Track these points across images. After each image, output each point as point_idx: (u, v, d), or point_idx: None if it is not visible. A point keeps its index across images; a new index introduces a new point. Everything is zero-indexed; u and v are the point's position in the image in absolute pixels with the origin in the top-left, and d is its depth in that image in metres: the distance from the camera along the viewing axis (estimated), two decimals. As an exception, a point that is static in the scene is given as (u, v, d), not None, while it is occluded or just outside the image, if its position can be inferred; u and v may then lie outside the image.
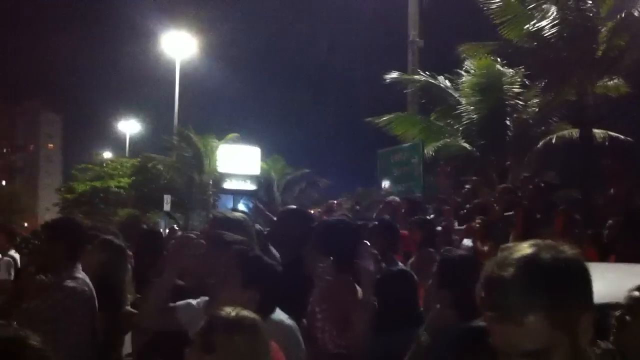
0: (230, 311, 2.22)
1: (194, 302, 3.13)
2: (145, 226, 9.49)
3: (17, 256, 8.06)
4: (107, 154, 49.06)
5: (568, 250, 1.52)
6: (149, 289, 3.23)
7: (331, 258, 3.68)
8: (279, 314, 3.11)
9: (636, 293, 2.48)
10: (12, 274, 7.43)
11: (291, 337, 3.07)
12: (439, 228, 7.57)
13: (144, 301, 3.35)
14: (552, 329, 1.44)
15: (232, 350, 2.12)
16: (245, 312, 2.25)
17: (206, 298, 3.11)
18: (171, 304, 3.11)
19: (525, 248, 1.51)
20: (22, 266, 7.16)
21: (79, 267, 4.06)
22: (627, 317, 2.42)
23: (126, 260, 4.82)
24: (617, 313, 2.46)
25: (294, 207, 5.40)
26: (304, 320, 3.65)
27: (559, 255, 1.49)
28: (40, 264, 4.34)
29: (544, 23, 11.42)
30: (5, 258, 7.90)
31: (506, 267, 1.47)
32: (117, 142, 54.19)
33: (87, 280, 4.03)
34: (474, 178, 11.02)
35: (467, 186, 10.60)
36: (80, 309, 3.87)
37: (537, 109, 13.94)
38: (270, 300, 2.94)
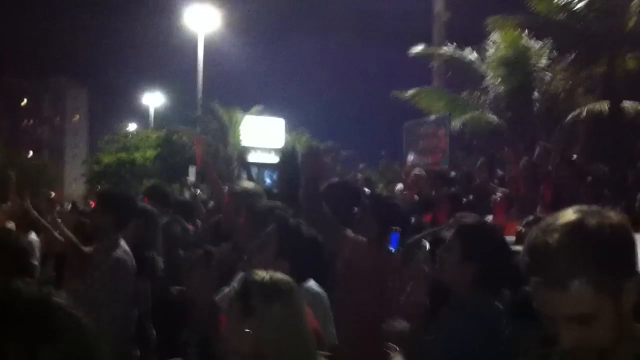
0: (264, 275, 2.23)
1: None
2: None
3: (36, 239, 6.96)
4: (132, 126, 49.34)
5: (614, 216, 1.52)
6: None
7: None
8: (312, 284, 3.16)
9: None
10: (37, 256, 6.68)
11: (321, 304, 3.13)
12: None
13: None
14: (596, 294, 1.45)
15: (271, 314, 2.15)
16: (280, 276, 2.27)
17: None
18: None
19: (570, 214, 1.52)
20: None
21: (120, 236, 4.17)
22: None
23: (158, 225, 4.90)
24: None
25: (340, 181, 5.37)
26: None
27: (604, 221, 1.49)
28: (89, 233, 4.46)
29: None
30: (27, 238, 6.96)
31: (551, 233, 1.48)
32: (142, 115, 54.46)
33: (127, 248, 4.13)
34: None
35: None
36: (124, 279, 3.97)
37: (565, 83, 13.74)
38: (302, 270, 2.95)
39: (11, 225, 5.95)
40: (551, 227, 1.50)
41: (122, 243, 4.12)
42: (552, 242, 1.47)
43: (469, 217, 3.24)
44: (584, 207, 1.54)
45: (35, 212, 5.17)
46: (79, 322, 1.33)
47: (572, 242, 1.46)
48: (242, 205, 3.58)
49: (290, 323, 2.18)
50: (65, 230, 4.68)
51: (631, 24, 11.67)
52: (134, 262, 4.11)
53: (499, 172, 10.48)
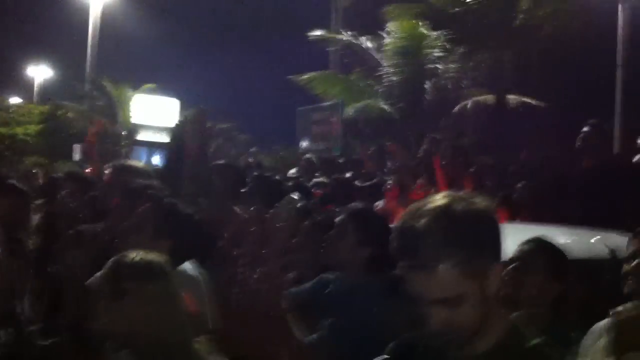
0: (135, 256, 2.17)
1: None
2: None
3: None
4: (15, 100, 46.68)
5: (480, 202, 1.56)
6: None
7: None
8: (193, 265, 3.07)
9: (525, 246, 2.74)
10: None
11: (197, 287, 3.04)
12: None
13: None
14: (462, 278, 1.48)
15: (142, 295, 2.10)
16: (152, 256, 2.21)
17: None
18: None
19: (438, 199, 1.55)
20: None
21: None
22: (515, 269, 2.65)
23: (29, 204, 4.63)
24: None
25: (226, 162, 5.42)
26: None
27: (470, 206, 1.53)
28: None
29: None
30: None
31: (419, 218, 1.51)
32: (25, 88, 51.54)
33: None
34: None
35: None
36: None
37: (455, 74, 14.21)
38: (182, 249, 2.89)
39: None
40: (419, 212, 1.52)
41: None
42: (419, 227, 1.49)
43: (359, 204, 3.36)
44: (452, 193, 1.58)
45: None
46: None
47: (438, 226, 1.48)
48: (118, 183, 3.44)
49: (162, 304, 2.13)
50: None
51: (518, 21, 12.21)
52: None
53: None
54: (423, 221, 1.49)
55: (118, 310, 2.10)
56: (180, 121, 4.25)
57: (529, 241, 2.77)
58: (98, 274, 2.86)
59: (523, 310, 2.46)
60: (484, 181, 7.17)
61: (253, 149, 13.24)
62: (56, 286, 4.25)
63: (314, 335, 2.98)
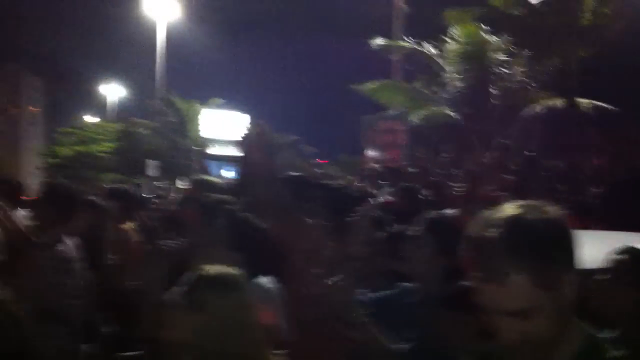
0: (212, 269, 2.23)
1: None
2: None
3: None
4: (90, 118, 48.57)
5: (552, 211, 1.53)
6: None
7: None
8: (267, 278, 3.13)
9: (617, 256, 2.52)
10: None
11: (271, 300, 3.09)
12: None
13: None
14: (535, 288, 1.45)
15: (217, 308, 2.14)
16: (228, 270, 2.26)
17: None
18: None
19: (509, 209, 1.52)
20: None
21: (66, 230, 4.11)
22: (607, 280, 2.47)
23: (109, 220, 4.85)
24: (597, 277, 2.49)
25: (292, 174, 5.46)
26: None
27: (542, 216, 1.50)
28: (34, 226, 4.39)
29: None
30: None
31: (491, 228, 1.48)
32: (100, 106, 53.67)
33: (71, 242, 4.07)
34: None
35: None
36: (67, 273, 3.91)
37: (521, 78, 13.95)
38: (254, 263, 2.91)
39: None
40: (490, 222, 1.50)
41: (66, 236, 4.06)
42: (491, 237, 1.47)
43: (434, 213, 3.28)
44: (523, 202, 1.54)
45: None
46: (15, 319, 1.34)
47: (509, 237, 1.45)
48: (194, 199, 3.56)
49: (236, 317, 2.17)
50: (16, 222, 4.58)
51: (585, 21, 11.91)
52: (78, 256, 4.06)
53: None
54: (494, 231, 1.47)
55: (194, 323, 2.14)
56: (243, 136, 4.28)
57: (622, 251, 2.54)
58: (174, 288, 2.98)
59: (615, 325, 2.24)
60: (555, 187, 7.04)
61: (342, 155, 13.33)
62: (133, 300, 4.43)
63: (405, 345, 2.87)
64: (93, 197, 5.03)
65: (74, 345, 4.02)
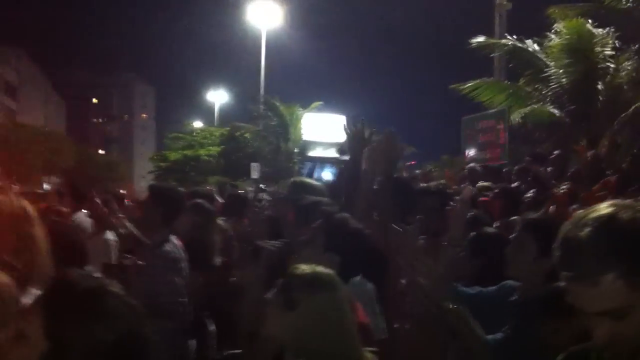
0: (306, 269, 2.30)
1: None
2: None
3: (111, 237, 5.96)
4: (197, 123, 50.46)
5: None
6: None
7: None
8: (360, 279, 3.18)
9: None
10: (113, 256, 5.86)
11: (367, 299, 3.15)
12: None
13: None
14: (627, 289, 1.42)
15: (312, 307, 2.21)
16: (322, 269, 2.32)
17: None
18: None
19: (603, 208, 1.49)
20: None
21: (170, 230, 4.35)
22: None
23: (215, 222, 5.02)
24: None
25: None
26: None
27: (636, 215, 1.46)
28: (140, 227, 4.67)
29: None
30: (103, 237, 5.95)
31: (582, 227, 1.46)
32: (206, 112, 55.75)
33: (177, 242, 4.30)
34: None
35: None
36: (175, 272, 4.13)
37: (630, 73, 13.31)
38: (351, 264, 2.95)
39: (89, 223, 6.26)
40: (583, 221, 1.48)
41: (172, 237, 4.28)
42: (583, 236, 1.45)
43: (536, 214, 3.22)
44: (618, 201, 1.51)
45: (103, 210, 5.42)
46: (131, 308, 1.49)
47: (603, 237, 1.43)
48: (290, 200, 3.67)
49: (331, 316, 2.22)
50: (129, 226, 4.89)
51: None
52: (184, 256, 4.27)
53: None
54: (587, 231, 1.45)
55: (290, 321, 2.22)
56: (368, 148, 4.22)
57: None
58: (273, 287, 3.11)
59: None
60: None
61: (444, 157, 13.21)
62: (235, 299, 4.59)
63: (498, 336, 2.89)
64: (199, 200, 5.25)
65: (181, 341, 4.25)
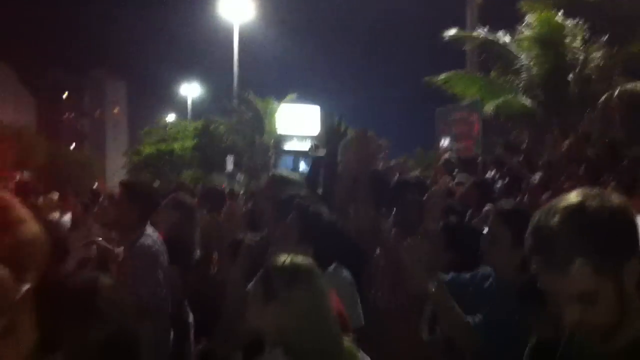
0: (285, 260, 2.33)
1: None
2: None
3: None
4: (171, 117, 50.05)
5: (615, 199, 1.55)
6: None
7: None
8: (336, 268, 3.24)
9: None
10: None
11: (347, 288, 3.21)
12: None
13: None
14: (596, 275, 1.48)
15: (291, 296, 2.24)
16: (300, 259, 2.35)
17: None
18: None
19: (572, 197, 1.56)
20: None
21: (148, 225, 4.34)
22: None
23: (195, 218, 5.01)
24: None
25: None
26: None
27: (604, 203, 1.52)
28: (112, 223, 4.61)
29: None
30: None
31: (553, 215, 1.53)
32: (179, 106, 55.27)
33: (156, 237, 4.29)
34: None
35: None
36: (154, 267, 4.12)
37: (599, 64, 13.52)
38: (325, 254, 2.99)
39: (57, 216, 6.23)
40: (553, 209, 1.55)
41: (150, 232, 4.27)
42: (553, 224, 1.51)
43: (507, 204, 3.29)
44: (587, 190, 1.58)
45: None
46: (121, 306, 1.52)
47: (572, 225, 1.50)
48: (272, 194, 3.69)
49: (311, 305, 2.26)
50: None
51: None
52: (163, 250, 4.26)
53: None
54: (556, 219, 1.51)
55: (270, 311, 2.25)
56: (342, 145, 4.24)
57: None
58: (254, 280, 3.14)
59: None
60: (636, 175, 6.84)
61: (417, 149, 13.27)
62: (216, 292, 4.61)
63: (477, 318, 2.93)
64: (178, 195, 5.24)
65: (163, 335, 4.25)
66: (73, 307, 1.43)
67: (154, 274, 4.06)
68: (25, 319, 1.42)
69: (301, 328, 2.24)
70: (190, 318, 4.86)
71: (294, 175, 4.48)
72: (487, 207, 5.55)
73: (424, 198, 4.47)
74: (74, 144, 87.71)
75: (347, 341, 2.39)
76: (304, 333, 2.24)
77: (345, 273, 3.28)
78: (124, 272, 4.12)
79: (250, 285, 3.12)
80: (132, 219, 4.27)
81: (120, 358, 1.47)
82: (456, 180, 7.90)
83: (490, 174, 8.86)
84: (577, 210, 1.52)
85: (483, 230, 3.82)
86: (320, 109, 28.70)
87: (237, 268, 3.30)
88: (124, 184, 4.65)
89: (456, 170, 8.73)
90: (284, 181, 4.05)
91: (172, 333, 4.40)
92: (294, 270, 2.30)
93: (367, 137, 4.30)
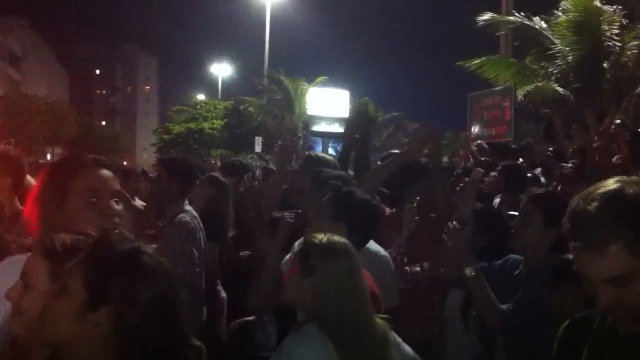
0: (322, 237, 2.41)
1: None
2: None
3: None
4: (201, 96, 50.37)
5: None
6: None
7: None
8: (373, 246, 3.29)
9: None
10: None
11: (385, 267, 3.27)
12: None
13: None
14: (632, 258, 1.54)
15: (328, 273, 2.33)
16: (337, 237, 2.44)
17: None
18: None
19: (610, 183, 1.61)
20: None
21: (186, 201, 4.45)
22: None
23: (230, 195, 5.10)
24: None
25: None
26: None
27: None
28: (151, 198, 4.72)
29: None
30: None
31: (591, 201, 1.59)
32: (210, 85, 55.65)
33: (195, 213, 4.40)
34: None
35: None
36: (192, 242, 4.22)
37: (636, 52, 13.30)
38: (359, 233, 3.03)
39: None
40: (591, 195, 1.60)
41: (189, 208, 4.37)
42: (591, 209, 1.57)
43: (541, 189, 3.36)
44: (624, 177, 1.64)
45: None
46: (166, 269, 1.62)
47: (609, 210, 1.55)
48: (308, 174, 3.76)
49: (347, 282, 2.34)
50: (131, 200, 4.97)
51: None
52: (201, 226, 4.36)
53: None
54: (594, 204, 1.56)
55: (306, 287, 2.34)
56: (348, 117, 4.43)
57: None
58: (287, 256, 3.22)
59: None
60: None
61: (447, 133, 13.13)
62: (250, 268, 4.69)
63: (509, 305, 3.02)
64: (216, 174, 5.33)
65: (197, 309, 4.37)
66: (121, 265, 1.52)
67: (190, 249, 4.16)
68: (77, 280, 1.53)
69: (336, 304, 2.31)
70: (223, 295, 4.97)
71: (327, 156, 4.56)
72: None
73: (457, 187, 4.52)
74: (105, 120, 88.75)
75: (381, 320, 2.45)
76: (339, 308, 2.31)
77: (384, 252, 3.35)
78: (161, 247, 4.21)
79: (285, 261, 3.23)
80: (172, 193, 4.37)
81: (163, 315, 1.56)
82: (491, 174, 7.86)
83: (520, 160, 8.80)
84: (615, 195, 1.57)
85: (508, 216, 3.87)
86: (350, 94, 28.59)
87: (277, 244, 3.39)
88: (163, 160, 4.75)
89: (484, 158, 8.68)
90: (320, 161, 4.12)
91: (205, 309, 4.52)
92: (330, 247, 2.39)
93: (435, 130, 4.42)
